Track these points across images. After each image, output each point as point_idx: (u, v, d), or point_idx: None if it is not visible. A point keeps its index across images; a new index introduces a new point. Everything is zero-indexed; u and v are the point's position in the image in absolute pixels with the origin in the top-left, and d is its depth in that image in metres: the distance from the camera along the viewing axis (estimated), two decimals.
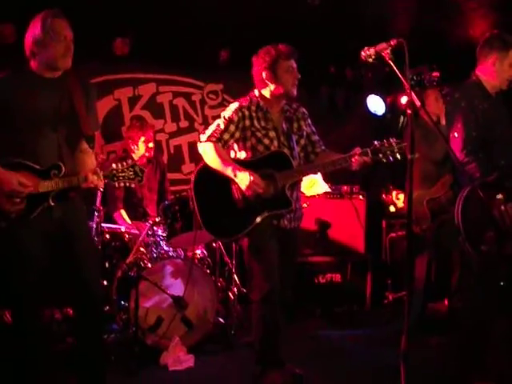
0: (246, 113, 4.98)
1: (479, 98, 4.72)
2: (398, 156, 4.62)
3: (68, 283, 4.44)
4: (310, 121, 5.28)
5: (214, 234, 5.05)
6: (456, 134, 4.67)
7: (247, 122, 4.97)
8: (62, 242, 4.30)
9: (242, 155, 5.00)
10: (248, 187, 4.67)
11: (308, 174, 5.36)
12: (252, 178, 4.67)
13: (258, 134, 4.96)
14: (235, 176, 4.73)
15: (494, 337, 4.74)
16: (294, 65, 4.98)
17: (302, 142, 5.16)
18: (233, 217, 4.86)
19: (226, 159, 4.87)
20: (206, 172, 4.92)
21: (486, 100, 4.73)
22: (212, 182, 4.90)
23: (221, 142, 4.91)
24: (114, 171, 4.31)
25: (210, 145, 4.88)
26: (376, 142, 4.71)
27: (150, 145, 6.90)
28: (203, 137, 4.98)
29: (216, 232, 4.97)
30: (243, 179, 4.69)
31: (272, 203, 4.81)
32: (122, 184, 4.34)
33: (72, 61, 4.32)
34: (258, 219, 4.76)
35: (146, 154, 6.86)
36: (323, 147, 5.24)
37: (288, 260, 5.04)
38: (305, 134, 5.19)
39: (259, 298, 4.83)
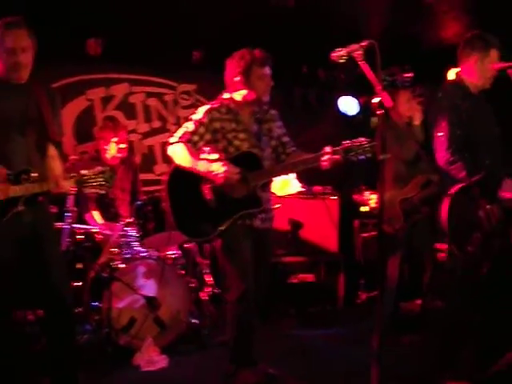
0: (216, 115, 4.97)
1: (461, 97, 4.74)
2: (369, 155, 4.64)
3: (37, 286, 4.43)
4: (280, 122, 5.28)
5: (187, 235, 5.06)
6: (440, 134, 4.69)
7: (217, 125, 4.95)
8: (32, 246, 4.29)
9: (213, 157, 4.95)
10: (224, 178, 4.67)
11: (279, 175, 5.37)
12: (226, 167, 4.68)
13: (229, 136, 4.96)
14: (209, 167, 4.73)
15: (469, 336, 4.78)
16: (268, 72, 4.98)
17: (273, 143, 5.16)
18: (205, 217, 4.85)
19: (196, 156, 4.87)
20: (179, 173, 4.92)
21: (468, 99, 4.75)
22: (184, 183, 4.90)
23: (190, 143, 4.90)
24: (84, 177, 4.29)
25: (180, 145, 4.89)
26: (346, 141, 4.73)
27: (122, 146, 6.83)
28: (173, 139, 4.98)
29: (189, 232, 4.97)
30: (218, 168, 4.69)
31: (243, 203, 4.81)
32: (92, 190, 4.32)
33: (40, 64, 4.32)
34: (230, 220, 4.75)
35: (118, 155, 6.81)
36: (294, 148, 5.23)
37: (262, 260, 5.04)
38: (275, 135, 5.19)
39: (234, 298, 4.84)
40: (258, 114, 5.13)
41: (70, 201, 5.92)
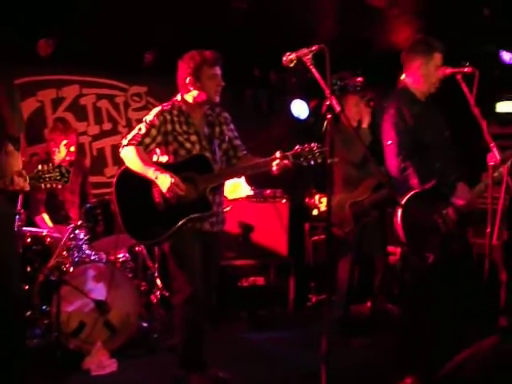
0: (168, 117, 4.96)
1: (408, 104, 4.77)
2: (319, 160, 4.67)
3: None
4: (232, 125, 5.28)
5: (136, 238, 5.05)
6: (389, 142, 4.73)
7: (169, 127, 4.94)
8: None
9: (164, 159, 4.98)
10: (169, 189, 4.62)
11: (229, 178, 5.30)
12: (173, 179, 4.62)
13: (180, 139, 4.94)
14: (156, 178, 4.68)
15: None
16: (219, 72, 4.98)
17: (224, 146, 5.15)
18: (154, 220, 4.84)
19: (147, 161, 4.83)
20: (128, 175, 4.87)
21: (415, 106, 4.79)
22: (133, 186, 4.87)
23: (142, 145, 4.86)
24: (40, 172, 4.25)
25: (131, 148, 4.84)
26: (297, 147, 4.75)
27: (72, 149, 6.79)
28: (125, 141, 4.92)
29: (137, 235, 4.95)
30: (164, 181, 4.63)
31: (193, 207, 4.79)
32: (48, 185, 4.28)
33: None
34: (179, 223, 4.74)
35: (67, 158, 6.75)
36: (245, 152, 5.24)
37: (211, 264, 5.04)
38: (227, 138, 5.18)
39: (181, 301, 4.83)
40: (210, 117, 5.13)
41: (19, 203, 5.86)
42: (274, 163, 4.72)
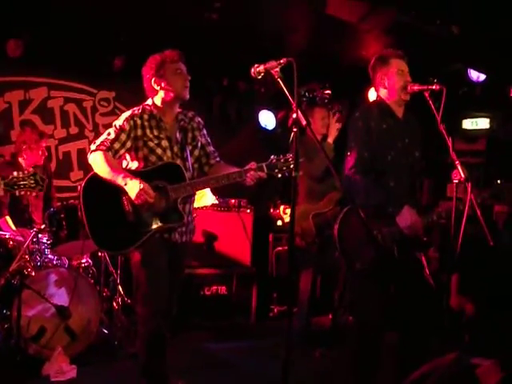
0: (138, 122, 4.78)
1: (377, 119, 4.77)
2: (294, 173, 4.61)
3: None
4: (205, 131, 5.14)
5: (103, 247, 4.98)
6: (349, 153, 4.76)
7: (139, 132, 4.76)
8: None
9: (134, 165, 4.81)
10: (138, 195, 4.44)
11: (201, 188, 5.03)
12: (142, 185, 4.43)
13: (151, 144, 4.76)
14: (125, 184, 4.49)
15: (383, 352, 4.83)
16: (183, 67, 4.87)
17: (196, 152, 5.01)
18: (123, 230, 4.64)
19: (115, 168, 4.64)
20: (96, 181, 4.66)
21: (385, 121, 4.79)
22: (102, 192, 4.66)
23: (111, 151, 4.69)
24: (15, 179, 4.23)
25: (100, 153, 4.65)
26: (272, 157, 4.68)
27: (42, 154, 6.77)
28: (93, 146, 4.72)
29: (104, 245, 4.77)
30: (133, 187, 4.45)
31: (163, 217, 4.64)
32: (22, 192, 4.27)
33: None
34: (149, 233, 4.64)
35: (34, 162, 6.71)
36: (218, 159, 5.10)
37: (175, 273, 4.89)
38: (199, 144, 5.03)
39: (145, 314, 4.71)
40: (183, 122, 4.97)
41: None
42: (249, 174, 4.64)
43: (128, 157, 4.86)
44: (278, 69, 3.85)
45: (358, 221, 4.26)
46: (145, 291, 4.70)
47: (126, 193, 4.56)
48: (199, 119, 5.15)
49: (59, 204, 6.62)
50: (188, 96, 4.90)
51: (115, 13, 6.87)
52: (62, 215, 6.12)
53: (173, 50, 4.87)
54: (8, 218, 6.56)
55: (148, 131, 4.80)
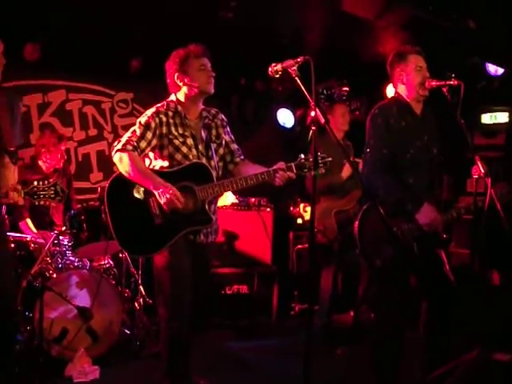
0: (164, 119, 4.70)
1: (396, 116, 4.77)
2: (323, 170, 4.55)
3: None
4: (228, 128, 5.07)
5: (129, 251, 4.87)
6: (368, 150, 4.76)
7: (164, 129, 4.68)
8: None
9: (158, 164, 4.74)
10: (168, 202, 4.38)
11: (229, 190, 4.81)
12: (172, 191, 4.37)
13: (176, 142, 4.68)
14: (155, 188, 4.42)
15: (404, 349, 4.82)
16: (207, 62, 4.78)
17: (221, 151, 4.93)
18: (149, 233, 4.56)
19: (143, 170, 4.57)
20: (121, 182, 4.57)
21: (405, 119, 4.78)
22: (127, 193, 4.57)
23: (137, 150, 4.59)
24: (35, 189, 4.22)
25: (126, 154, 4.53)
26: (301, 156, 4.59)
27: (61, 157, 6.79)
28: (118, 145, 4.61)
29: (131, 249, 4.70)
30: (163, 192, 4.38)
31: (191, 219, 4.56)
32: (41, 202, 4.26)
33: None
34: (177, 236, 4.51)
35: (54, 164, 6.74)
36: (242, 157, 5.03)
37: (201, 274, 4.84)
38: (224, 142, 4.96)
39: (168, 314, 4.65)
40: (207, 119, 4.89)
41: (3, 209, 5.84)
42: (278, 174, 4.57)
43: (151, 155, 4.78)
44: (295, 67, 3.85)
45: (377, 218, 4.25)
46: (167, 293, 4.63)
47: (153, 195, 4.48)
48: (222, 116, 5.08)
49: (79, 206, 6.65)
50: (213, 90, 4.83)
51: (130, 14, 6.88)
52: (83, 217, 6.16)
53: (197, 44, 4.80)
54: (29, 221, 6.59)
55: (173, 129, 4.72)
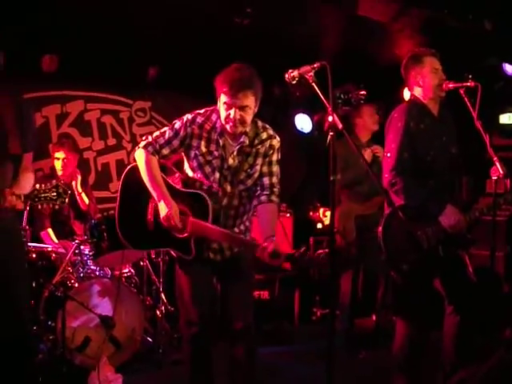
0: (196, 131, 4.38)
1: (416, 119, 4.76)
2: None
3: None
4: (275, 156, 4.54)
5: (124, 240, 4.59)
6: (389, 154, 4.75)
7: (194, 142, 4.39)
8: None
9: (187, 170, 4.50)
10: (165, 218, 4.26)
11: (213, 237, 4.42)
12: (172, 211, 4.26)
13: (201, 159, 4.38)
14: (159, 201, 4.31)
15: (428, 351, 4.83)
16: (240, 102, 4.22)
17: (249, 182, 4.48)
18: (142, 232, 4.48)
19: (155, 177, 4.39)
20: (136, 173, 4.49)
21: (423, 121, 4.78)
22: (137, 187, 4.47)
23: (158, 154, 4.42)
24: (36, 191, 4.19)
25: (144, 156, 4.41)
26: (299, 250, 4.32)
27: (75, 163, 6.81)
28: (143, 142, 4.47)
29: (126, 238, 4.55)
30: (164, 209, 4.26)
31: (176, 243, 4.40)
32: (44, 205, 4.20)
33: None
34: (160, 249, 4.38)
35: (71, 172, 6.77)
36: (273, 197, 4.50)
37: (234, 288, 4.57)
38: (256, 174, 4.48)
39: (181, 323, 4.59)
40: (247, 146, 4.42)
41: (25, 219, 5.87)
42: (259, 250, 4.27)
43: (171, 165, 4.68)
44: (312, 73, 3.82)
45: (400, 222, 4.24)
46: (180, 302, 4.58)
47: (154, 200, 4.40)
48: (273, 142, 4.55)
49: (100, 215, 6.68)
50: (234, 131, 4.33)
51: (147, 23, 6.91)
52: (103, 226, 6.17)
53: (234, 80, 4.27)
54: (50, 231, 6.64)
55: (203, 144, 4.40)
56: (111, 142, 8.57)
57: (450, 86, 4.77)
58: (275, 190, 4.53)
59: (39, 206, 4.19)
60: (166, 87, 8.22)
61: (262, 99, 4.36)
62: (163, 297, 6.77)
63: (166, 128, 4.52)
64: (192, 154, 4.42)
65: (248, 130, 4.42)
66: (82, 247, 6.16)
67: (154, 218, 4.44)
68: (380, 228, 4.68)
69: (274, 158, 4.54)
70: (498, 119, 8.52)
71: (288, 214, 8.16)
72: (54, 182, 4.25)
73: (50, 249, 6.36)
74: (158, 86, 8.38)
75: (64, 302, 5.52)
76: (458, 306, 4.73)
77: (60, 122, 8.15)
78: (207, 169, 4.38)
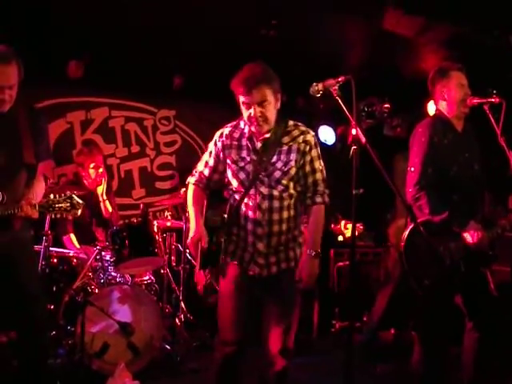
0: (226, 142, 4.30)
1: (440, 134, 4.76)
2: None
3: (10, 308, 4.41)
4: (314, 152, 4.36)
5: None
6: (412, 169, 4.74)
7: (227, 153, 4.30)
8: (5, 267, 4.28)
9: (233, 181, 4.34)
10: (190, 242, 4.22)
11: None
12: (196, 237, 4.20)
13: (233, 167, 4.27)
14: (190, 228, 4.27)
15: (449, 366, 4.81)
16: (251, 99, 4.17)
17: (285, 180, 4.23)
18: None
19: (192, 208, 4.36)
20: None
21: (447, 136, 4.77)
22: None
23: (202, 181, 4.44)
24: (50, 201, 4.22)
25: (192, 188, 4.45)
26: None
27: (100, 170, 6.82)
28: (191, 178, 4.49)
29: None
30: (190, 235, 4.22)
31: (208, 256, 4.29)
32: (58, 215, 4.25)
33: (24, 86, 4.33)
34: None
35: (98, 179, 6.78)
36: (316, 198, 4.35)
37: (277, 307, 4.40)
38: (292, 171, 4.25)
39: (217, 340, 4.48)
40: (279, 145, 4.29)
41: (47, 224, 5.90)
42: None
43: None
44: (336, 87, 3.83)
45: (422, 238, 4.23)
46: (220, 319, 4.38)
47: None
48: (308, 138, 4.39)
49: (122, 222, 6.70)
50: (258, 130, 4.25)
51: (174, 33, 6.95)
52: (125, 233, 6.19)
53: (245, 78, 4.22)
54: (72, 236, 6.66)
55: (234, 152, 4.31)
56: (135, 149, 8.62)
57: (475, 101, 4.75)
58: (319, 188, 4.33)
59: (53, 216, 4.23)
60: (191, 96, 8.25)
61: (286, 110, 4.31)
62: (183, 305, 6.78)
63: (204, 156, 4.51)
64: (226, 165, 4.33)
65: (274, 127, 4.33)
66: (103, 253, 6.18)
67: None
68: (402, 243, 4.67)
69: (314, 153, 4.34)
70: None
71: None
72: (68, 192, 4.28)
73: (71, 254, 6.39)
74: (182, 95, 8.43)
75: (84, 307, 5.54)
76: (478, 322, 4.71)
77: (84, 128, 8.23)
78: (241, 175, 4.24)
